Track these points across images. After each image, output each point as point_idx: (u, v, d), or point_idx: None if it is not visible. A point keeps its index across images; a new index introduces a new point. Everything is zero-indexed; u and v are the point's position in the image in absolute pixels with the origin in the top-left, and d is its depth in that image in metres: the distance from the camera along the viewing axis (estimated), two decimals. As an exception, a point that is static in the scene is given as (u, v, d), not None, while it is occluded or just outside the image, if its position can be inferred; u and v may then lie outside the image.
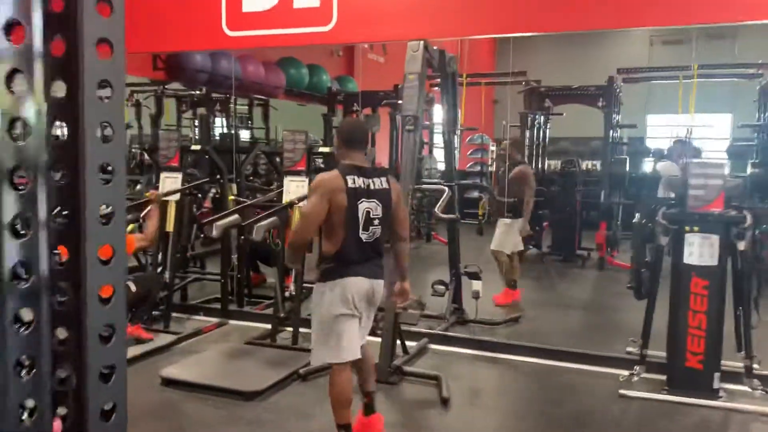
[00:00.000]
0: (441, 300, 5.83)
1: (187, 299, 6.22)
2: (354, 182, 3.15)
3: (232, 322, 5.82)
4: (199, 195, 5.71)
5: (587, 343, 5.23)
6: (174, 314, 5.90)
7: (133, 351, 4.72)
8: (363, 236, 3.18)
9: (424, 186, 4.77)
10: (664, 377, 4.29)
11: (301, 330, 5.28)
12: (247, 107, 11.42)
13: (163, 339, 5.12)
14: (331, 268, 3.20)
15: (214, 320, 5.80)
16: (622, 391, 4.22)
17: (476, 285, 5.41)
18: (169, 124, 11.00)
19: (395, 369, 4.43)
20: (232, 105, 8.00)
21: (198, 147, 5.64)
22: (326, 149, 5.14)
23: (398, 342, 4.59)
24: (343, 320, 3.18)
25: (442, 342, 5.21)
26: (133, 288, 4.85)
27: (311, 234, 3.23)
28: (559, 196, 9.40)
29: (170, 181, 5.55)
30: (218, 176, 5.88)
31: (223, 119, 11.24)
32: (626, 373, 4.44)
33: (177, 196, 5.50)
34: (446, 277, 6.00)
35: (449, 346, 5.17)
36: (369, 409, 3.51)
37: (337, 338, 3.19)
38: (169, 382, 4.27)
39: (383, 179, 3.27)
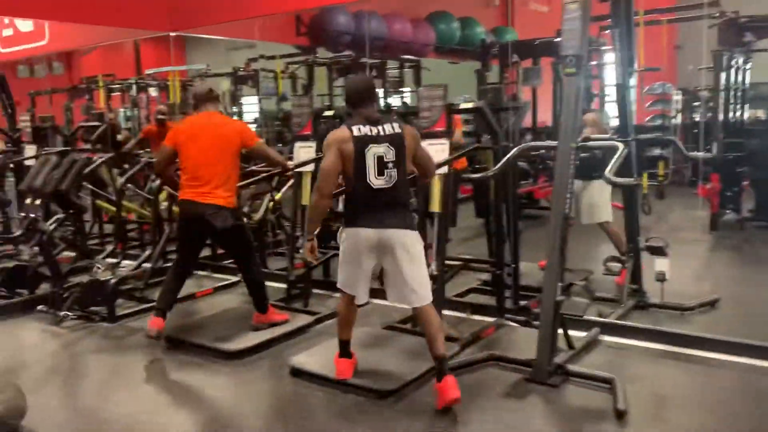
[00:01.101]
0: (610, 283, 4.89)
1: (329, 275, 5.82)
2: (360, 131, 3.32)
3: (375, 301, 5.31)
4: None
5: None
6: (315, 291, 5.58)
7: (266, 334, 4.39)
8: (378, 182, 3.31)
9: (591, 143, 3.80)
10: None
11: (447, 312, 4.67)
12: (397, 70, 10.90)
13: (301, 319, 4.74)
14: (346, 218, 3.47)
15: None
16: None
17: (661, 264, 4.38)
18: (322, 93, 10.81)
19: (556, 368, 3.64)
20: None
21: (331, 113, 5.11)
22: (468, 104, 4.37)
23: (560, 333, 3.79)
24: (352, 264, 3.46)
25: (617, 333, 4.28)
26: None
27: (328, 190, 3.41)
28: (763, 150, 7.83)
29: (304, 152, 5.12)
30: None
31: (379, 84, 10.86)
32: None
33: (311, 167, 5.06)
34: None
35: (626, 338, 4.23)
36: (439, 374, 3.39)
37: (344, 271, 3.53)
38: (297, 372, 3.84)
39: (394, 124, 3.38)
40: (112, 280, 5.06)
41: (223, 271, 6.39)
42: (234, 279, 6.09)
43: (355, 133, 3.33)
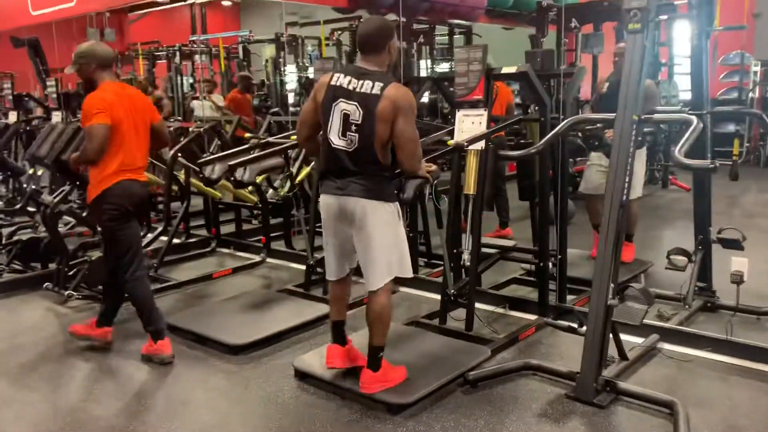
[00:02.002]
0: (680, 276, 4.21)
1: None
2: (337, 80, 2.95)
3: (403, 289, 4.80)
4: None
5: None
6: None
7: (278, 325, 3.94)
8: (339, 143, 2.93)
9: (658, 116, 3.14)
10: None
11: (481, 306, 4.12)
12: (446, 36, 10.20)
13: (319, 309, 4.25)
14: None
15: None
16: None
17: (738, 263, 3.67)
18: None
19: (605, 384, 3.05)
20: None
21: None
22: (511, 69, 3.73)
23: (611, 340, 3.19)
24: (324, 234, 3.17)
25: (681, 341, 3.64)
26: None
27: (301, 137, 3.21)
28: None
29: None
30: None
31: (426, 51, 10.19)
32: None
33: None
34: (689, 243, 4.34)
35: (691, 347, 3.59)
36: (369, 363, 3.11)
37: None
38: (302, 375, 3.37)
39: (378, 84, 2.87)
40: (121, 259, 4.69)
41: (247, 250, 5.99)
42: (257, 258, 5.68)
43: (332, 81, 2.96)
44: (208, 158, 4.14)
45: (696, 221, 4.28)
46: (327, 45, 11.15)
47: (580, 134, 4.18)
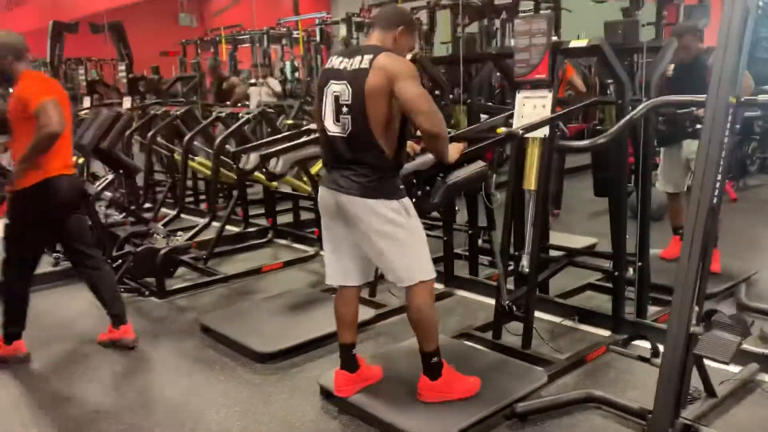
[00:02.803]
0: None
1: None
2: (331, 62, 2.69)
3: (459, 292, 4.33)
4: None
5: None
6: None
7: (313, 331, 3.58)
8: (334, 130, 2.63)
9: (765, 97, 2.51)
10: None
11: (545, 317, 3.61)
12: (531, 12, 9.46)
13: (364, 313, 3.86)
14: None
15: (440, 287, 4.41)
16: None
17: None
18: (444, 42, 9.68)
19: (683, 428, 2.48)
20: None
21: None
22: (581, 42, 3.14)
23: (694, 370, 2.60)
24: (324, 234, 2.86)
25: (787, 373, 2.99)
26: None
27: (318, 129, 2.79)
28: None
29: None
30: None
31: (510, 29, 9.51)
32: None
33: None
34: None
35: (801, 382, 2.93)
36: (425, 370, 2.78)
37: None
38: (328, 394, 2.99)
39: (367, 57, 2.54)
40: (163, 250, 4.50)
41: (304, 241, 5.68)
42: (311, 251, 5.36)
43: (327, 64, 2.73)
44: (242, 147, 3.82)
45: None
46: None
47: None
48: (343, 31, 10.33)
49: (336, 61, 2.65)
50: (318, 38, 11.31)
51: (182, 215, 5.76)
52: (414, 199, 2.70)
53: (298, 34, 12.13)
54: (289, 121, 4.28)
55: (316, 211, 5.34)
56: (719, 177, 2.44)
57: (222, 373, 3.32)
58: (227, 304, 4.30)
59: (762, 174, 7.54)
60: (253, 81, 8.74)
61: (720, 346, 2.40)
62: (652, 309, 3.71)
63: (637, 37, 3.53)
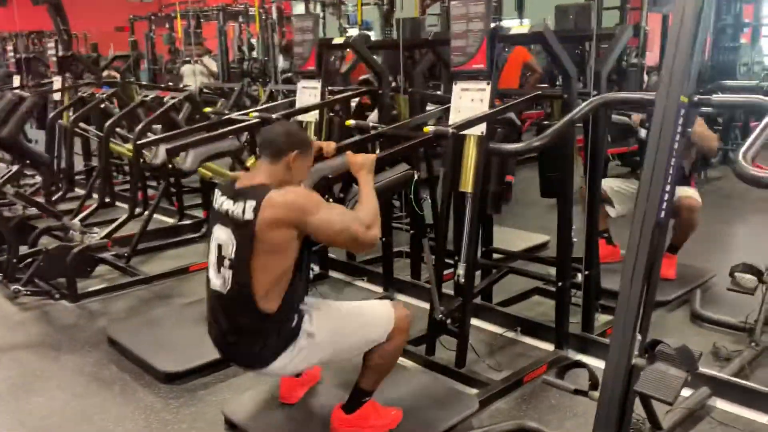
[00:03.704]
0: (746, 300, 3.27)
1: (354, 257, 4.54)
2: (217, 200, 2.28)
3: (400, 297, 4.01)
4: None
5: None
6: (333, 274, 4.41)
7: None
8: (215, 281, 2.25)
9: (719, 98, 2.21)
10: None
11: (487, 327, 3.33)
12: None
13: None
14: None
15: (379, 291, 4.10)
16: None
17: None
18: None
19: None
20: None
21: (340, 41, 3.63)
22: (522, 28, 2.79)
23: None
24: None
25: (742, 398, 2.71)
26: None
27: None
28: None
29: (306, 94, 3.78)
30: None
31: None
32: None
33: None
34: (760, 258, 3.35)
35: (757, 409, 2.67)
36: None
37: None
38: (233, 426, 2.65)
39: (250, 203, 2.12)
40: (76, 248, 4.09)
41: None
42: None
43: (214, 203, 2.30)
44: (150, 139, 3.41)
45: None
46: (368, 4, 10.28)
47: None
48: (300, 7, 9.87)
49: (222, 199, 2.24)
50: (274, 17, 10.81)
51: (117, 206, 5.33)
52: None
53: (254, 11, 11.60)
54: (208, 109, 3.86)
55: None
56: (668, 187, 2.14)
57: (121, 395, 2.95)
58: (143, 311, 3.92)
59: (724, 165, 7.33)
60: (187, 58, 8.21)
61: (664, 383, 2.10)
62: (603, 318, 3.45)
63: (589, 23, 3.20)
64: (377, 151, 3.30)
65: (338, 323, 2.33)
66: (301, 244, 2.15)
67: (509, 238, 4.75)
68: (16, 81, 7.35)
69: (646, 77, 7.49)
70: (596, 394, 2.28)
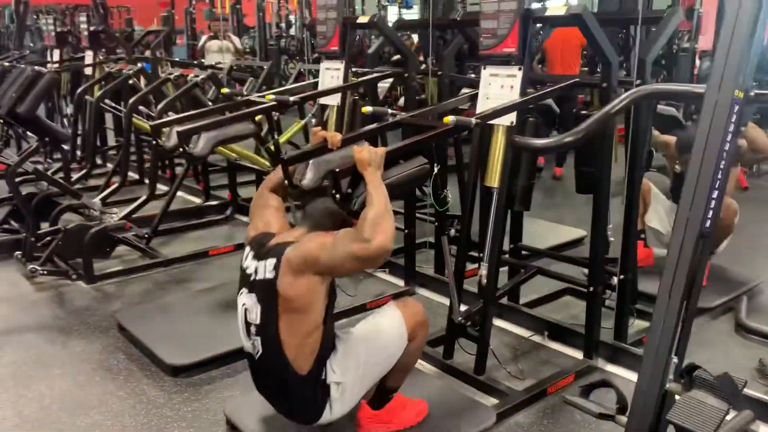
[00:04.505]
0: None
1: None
2: (246, 258, 2.19)
3: (422, 292, 3.82)
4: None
5: None
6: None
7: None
8: (246, 345, 2.19)
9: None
10: None
11: (512, 329, 3.13)
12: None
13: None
14: None
15: (400, 285, 3.91)
16: None
17: None
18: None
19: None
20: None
21: (365, 19, 3.40)
22: (558, 9, 2.54)
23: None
24: None
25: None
26: None
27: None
28: None
29: (329, 76, 3.58)
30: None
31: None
32: None
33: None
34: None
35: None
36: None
37: None
38: (233, 427, 2.51)
39: (272, 260, 2.05)
40: (94, 228, 4.01)
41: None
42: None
43: (242, 261, 2.22)
44: (163, 120, 3.27)
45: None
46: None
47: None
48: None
49: (249, 260, 2.15)
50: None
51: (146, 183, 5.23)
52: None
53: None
54: (225, 90, 3.68)
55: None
56: (715, 194, 1.89)
57: (124, 387, 2.85)
58: (157, 296, 3.82)
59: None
60: (213, 35, 8.04)
61: (700, 414, 1.87)
62: (638, 324, 3.21)
63: (636, 5, 2.92)
64: (381, 144, 3.10)
65: (360, 359, 2.20)
66: (327, 292, 2.09)
67: (542, 231, 4.51)
68: (56, 55, 7.31)
69: (698, 62, 7.07)
70: (624, 419, 2.07)
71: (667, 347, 1.92)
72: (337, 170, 2.07)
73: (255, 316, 2.10)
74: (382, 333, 2.26)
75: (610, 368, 2.94)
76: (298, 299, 2.03)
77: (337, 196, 2.11)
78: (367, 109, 2.82)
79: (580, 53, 5.91)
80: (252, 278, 2.11)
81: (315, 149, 2.37)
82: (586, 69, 6.27)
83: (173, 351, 3.01)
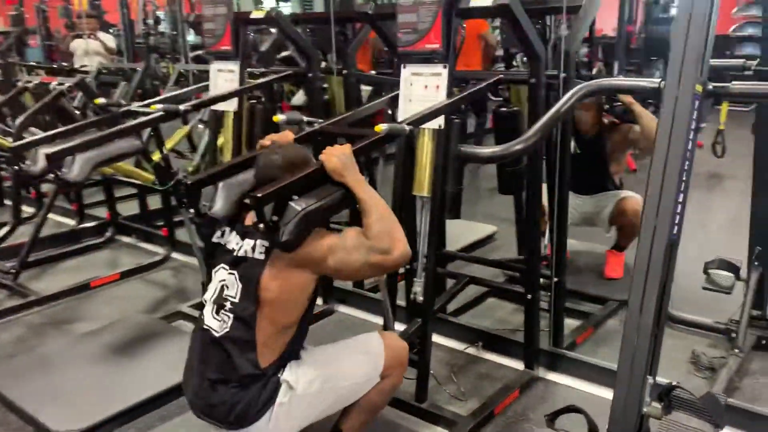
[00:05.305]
0: (725, 300, 2.98)
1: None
2: (222, 235, 2.01)
3: (342, 310, 3.54)
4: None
5: None
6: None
7: (151, 386, 2.67)
8: (211, 324, 1.93)
9: (739, 86, 1.80)
10: None
11: (442, 342, 2.92)
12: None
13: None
14: None
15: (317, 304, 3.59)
16: None
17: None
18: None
19: None
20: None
21: (260, 14, 3.03)
22: (486, 1, 2.32)
23: None
24: None
25: (740, 420, 2.42)
26: None
27: None
28: None
29: (222, 78, 3.19)
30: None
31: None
32: None
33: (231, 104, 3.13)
34: (740, 254, 3.07)
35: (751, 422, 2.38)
36: None
37: None
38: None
39: (261, 242, 1.88)
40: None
41: (152, 240, 4.64)
42: (160, 254, 4.36)
43: (215, 236, 2.04)
44: (27, 141, 2.74)
45: (754, 226, 3.01)
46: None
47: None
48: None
49: (230, 236, 1.97)
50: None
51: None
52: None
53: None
54: (100, 100, 3.16)
55: (165, 200, 4.37)
56: (681, 198, 1.75)
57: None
58: (33, 345, 3.26)
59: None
60: (78, 33, 7.25)
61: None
62: (568, 323, 3.09)
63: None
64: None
65: (321, 371, 1.97)
66: (313, 293, 1.93)
67: (455, 230, 4.35)
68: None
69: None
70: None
71: (642, 367, 1.77)
72: (259, 195, 1.73)
73: (235, 293, 1.90)
74: (355, 354, 2.05)
75: (552, 377, 2.80)
76: (285, 292, 1.87)
77: (261, 226, 1.77)
78: (280, 117, 2.48)
79: (480, 44, 5.76)
80: (235, 254, 1.93)
81: (223, 168, 2.02)
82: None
83: (60, 415, 2.52)
